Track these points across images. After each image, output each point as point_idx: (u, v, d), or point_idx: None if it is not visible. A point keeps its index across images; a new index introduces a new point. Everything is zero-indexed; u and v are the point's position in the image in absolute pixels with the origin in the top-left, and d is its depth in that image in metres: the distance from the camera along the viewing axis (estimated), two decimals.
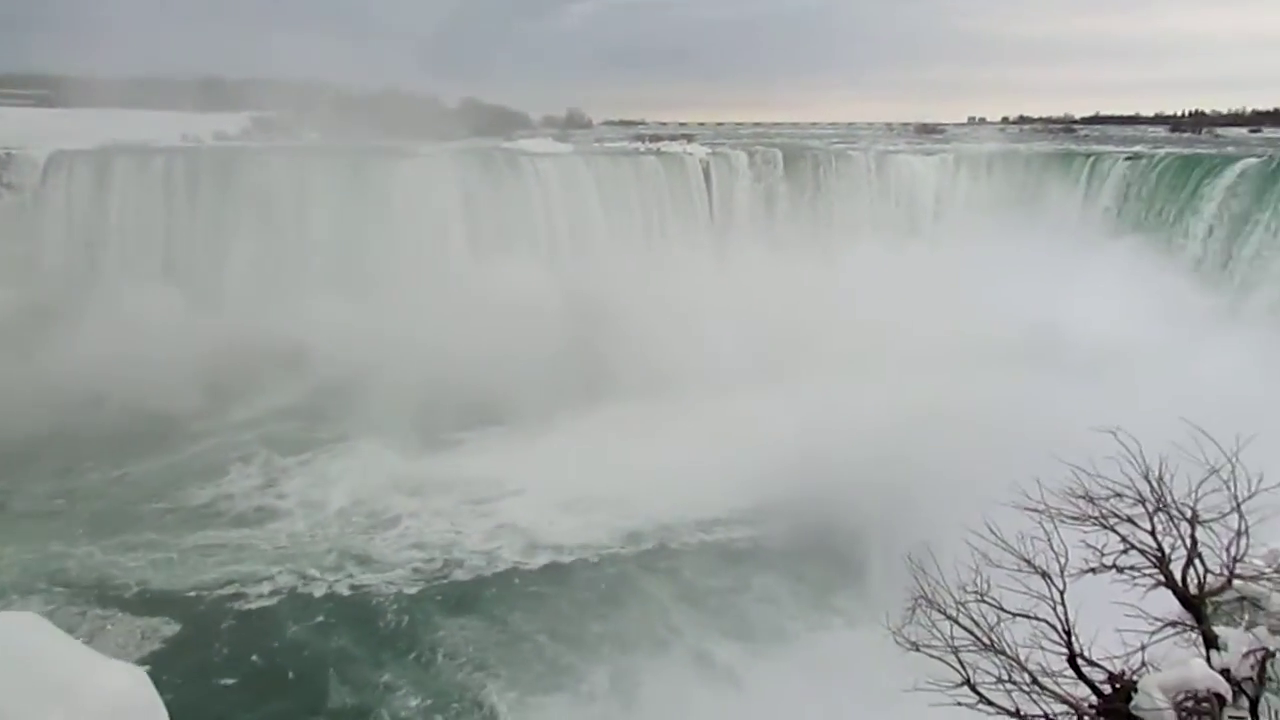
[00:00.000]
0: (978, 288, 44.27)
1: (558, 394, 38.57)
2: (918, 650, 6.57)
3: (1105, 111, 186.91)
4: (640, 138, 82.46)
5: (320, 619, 25.55)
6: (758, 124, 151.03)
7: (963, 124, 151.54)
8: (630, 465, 33.47)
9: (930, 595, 6.68)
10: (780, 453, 31.64)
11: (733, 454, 32.64)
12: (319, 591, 26.96)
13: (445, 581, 27.84)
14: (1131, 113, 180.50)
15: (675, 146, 67.25)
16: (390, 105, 70.20)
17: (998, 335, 39.59)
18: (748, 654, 23.38)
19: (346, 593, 27.01)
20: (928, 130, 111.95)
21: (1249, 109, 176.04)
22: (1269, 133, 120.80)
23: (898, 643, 6.67)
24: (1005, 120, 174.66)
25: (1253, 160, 52.79)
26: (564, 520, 31.16)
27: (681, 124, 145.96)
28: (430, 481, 34.10)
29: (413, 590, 27.16)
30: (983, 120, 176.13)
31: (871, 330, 41.20)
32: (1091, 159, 63.23)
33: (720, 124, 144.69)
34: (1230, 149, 66.15)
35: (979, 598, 6.83)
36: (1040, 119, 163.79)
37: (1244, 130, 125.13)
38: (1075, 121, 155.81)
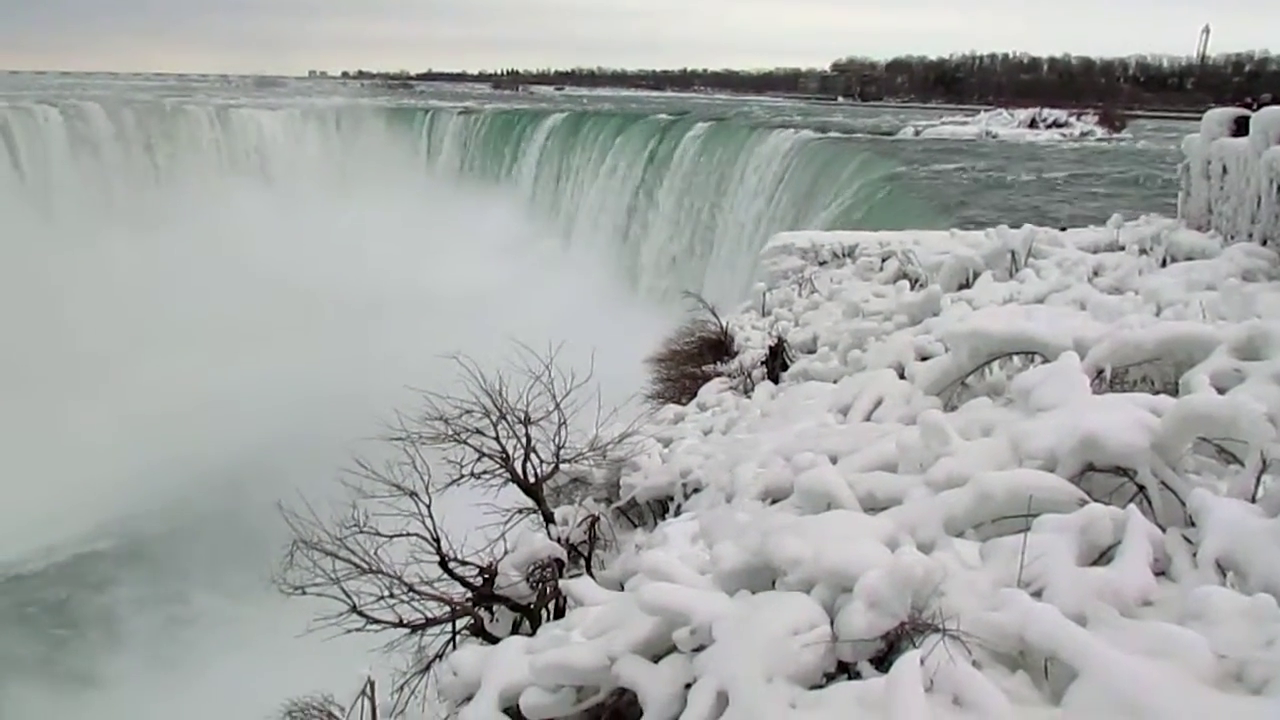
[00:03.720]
0: (338, 240, 44.81)
1: None
2: (303, 593, 6.68)
3: (438, 69, 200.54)
4: None
5: None
6: (65, 73, 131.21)
7: (304, 78, 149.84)
8: None
9: (307, 537, 6.81)
10: (142, 440, 28.65)
11: (75, 461, 28.02)
12: None
13: None
14: (460, 70, 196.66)
15: None
16: None
17: (365, 286, 40.69)
18: (128, 669, 21.32)
19: None
20: (268, 83, 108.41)
21: (553, 69, 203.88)
22: (570, 90, 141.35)
23: (281, 590, 6.71)
24: (346, 75, 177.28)
25: (560, 115, 61.22)
26: None
27: None
28: None
29: None
30: (324, 74, 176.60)
31: (241, 295, 39.34)
32: (430, 113, 67.60)
33: (15, 72, 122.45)
34: (544, 105, 75.77)
35: (358, 529, 7.16)
36: (380, 74, 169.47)
37: (550, 88, 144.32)
38: (411, 78, 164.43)
